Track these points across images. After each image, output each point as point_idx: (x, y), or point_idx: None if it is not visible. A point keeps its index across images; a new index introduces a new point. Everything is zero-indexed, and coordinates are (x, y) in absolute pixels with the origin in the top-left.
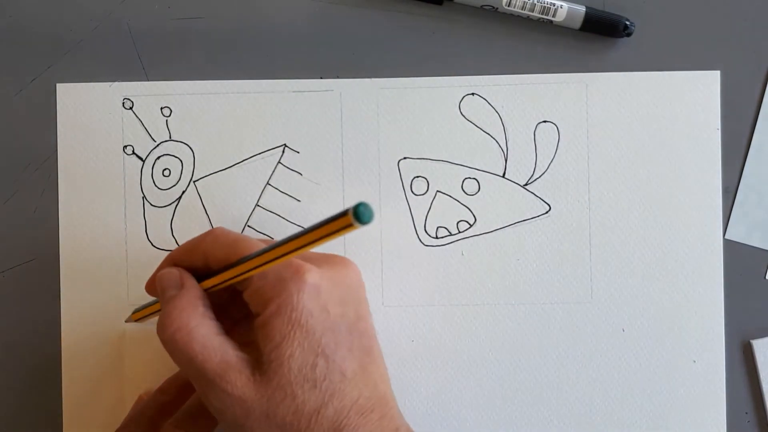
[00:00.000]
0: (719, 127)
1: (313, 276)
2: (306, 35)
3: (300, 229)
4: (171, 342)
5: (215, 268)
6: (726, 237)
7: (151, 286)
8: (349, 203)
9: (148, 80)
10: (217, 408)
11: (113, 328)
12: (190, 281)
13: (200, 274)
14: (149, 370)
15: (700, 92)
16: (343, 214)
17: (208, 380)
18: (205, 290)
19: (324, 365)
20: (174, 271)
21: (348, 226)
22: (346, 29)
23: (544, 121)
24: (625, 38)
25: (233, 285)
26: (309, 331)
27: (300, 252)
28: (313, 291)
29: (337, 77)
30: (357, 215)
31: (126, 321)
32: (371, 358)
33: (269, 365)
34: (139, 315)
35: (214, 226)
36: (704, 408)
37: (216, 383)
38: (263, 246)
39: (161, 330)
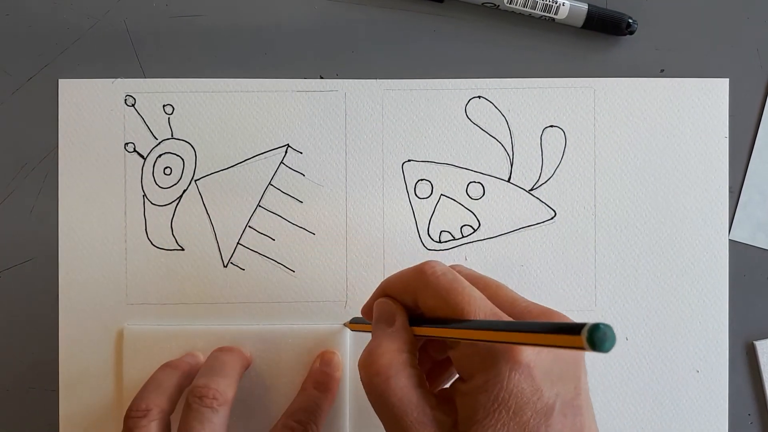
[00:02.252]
0: (727, 135)
1: (528, 354)
2: (304, 32)
3: (309, 235)
4: (369, 385)
5: (425, 311)
6: (729, 238)
7: (368, 312)
8: (352, 205)
9: (146, 78)
10: None
11: (111, 327)
12: (401, 320)
13: (413, 311)
14: (146, 370)
15: (708, 100)
16: (576, 330)
17: None
18: (415, 335)
19: None
20: (389, 304)
21: (579, 347)
22: (346, 26)
23: (551, 126)
24: (628, 36)
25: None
26: (516, 413)
27: (514, 344)
28: (527, 371)
29: (337, 75)
30: (592, 340)
31: (344, 324)
32: None
33: None
34: (355, 327)
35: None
36: (707, 411)
37: None
38: (476, 299)
39: (361, 366)
